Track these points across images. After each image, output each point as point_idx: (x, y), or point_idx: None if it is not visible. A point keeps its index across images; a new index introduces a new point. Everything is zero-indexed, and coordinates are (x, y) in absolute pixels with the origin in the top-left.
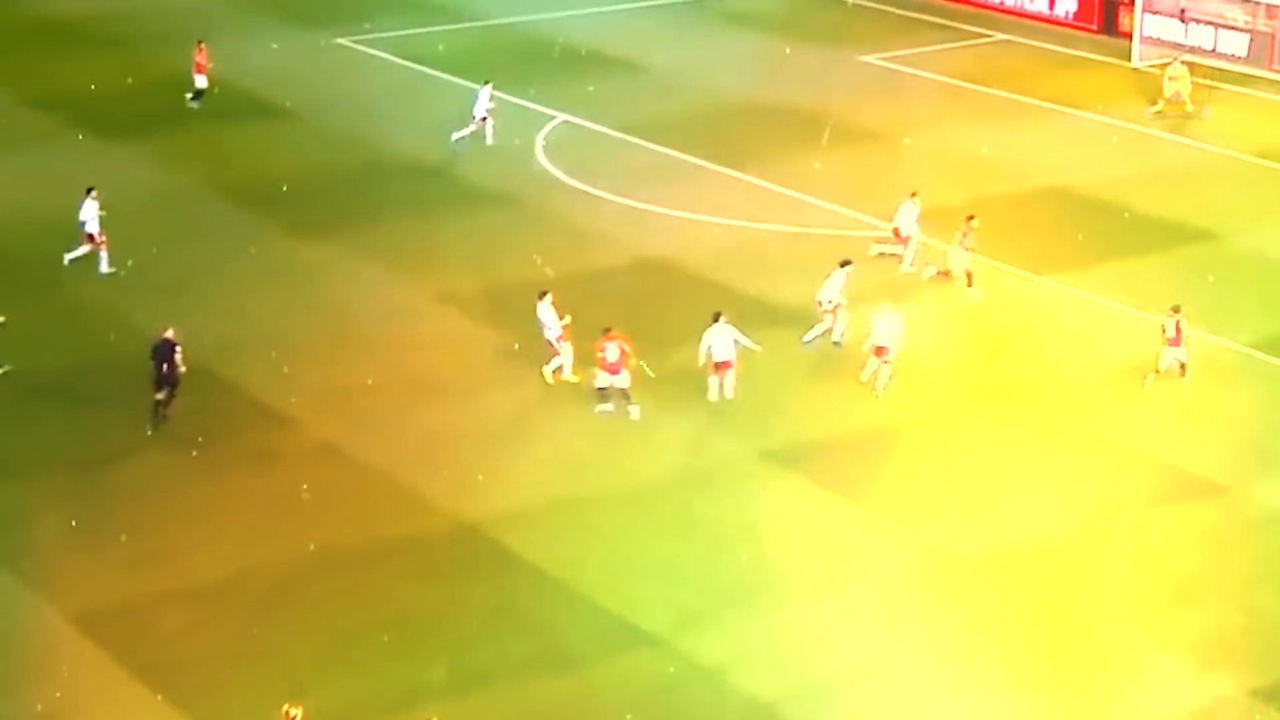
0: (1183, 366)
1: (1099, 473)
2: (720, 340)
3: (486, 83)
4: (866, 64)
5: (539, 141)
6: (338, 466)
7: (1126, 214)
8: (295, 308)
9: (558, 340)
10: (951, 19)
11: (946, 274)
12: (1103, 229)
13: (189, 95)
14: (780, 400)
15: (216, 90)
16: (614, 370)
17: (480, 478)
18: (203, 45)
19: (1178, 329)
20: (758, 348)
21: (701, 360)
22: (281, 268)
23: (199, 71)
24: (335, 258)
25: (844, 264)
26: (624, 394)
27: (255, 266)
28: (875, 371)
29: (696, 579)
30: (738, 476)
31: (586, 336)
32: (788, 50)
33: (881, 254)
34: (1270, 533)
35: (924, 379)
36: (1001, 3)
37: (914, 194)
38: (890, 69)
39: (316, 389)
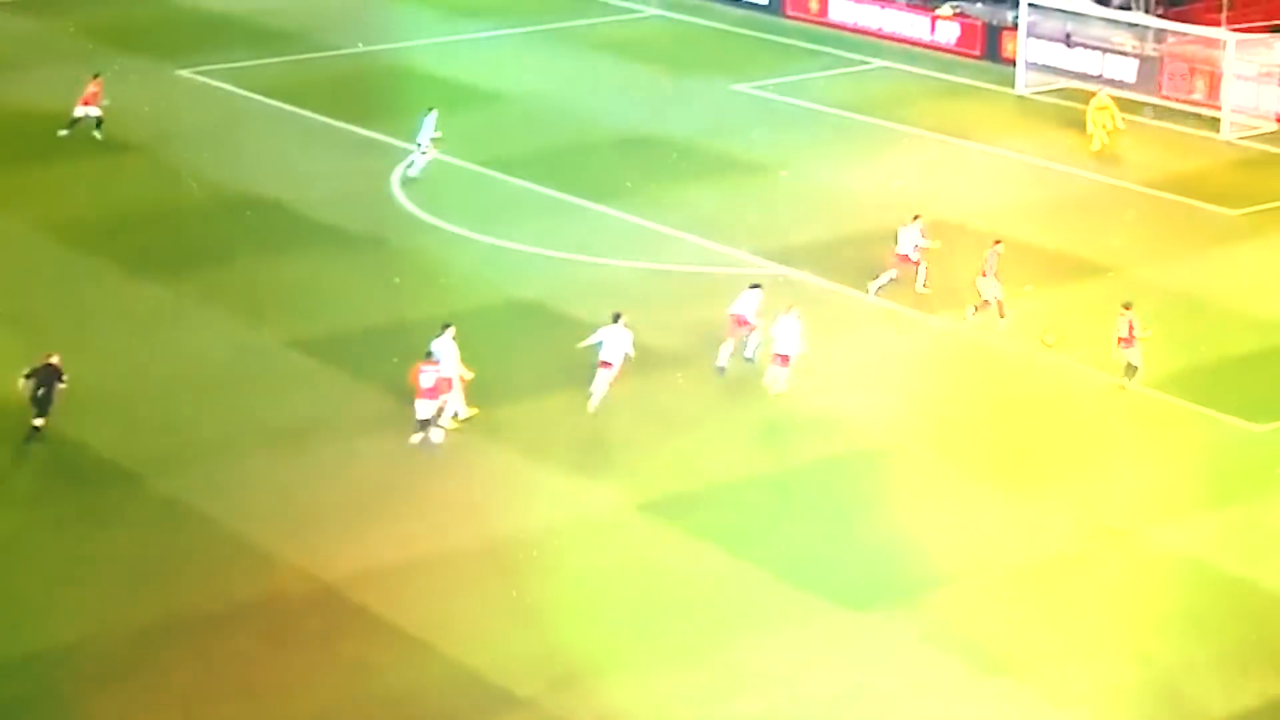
0: (1132, 369)
1: (996, 518)
2: (611, 340)
3: (430, 110)
4: (740, 93)
5: (395, 177)
6: (186, 524)
7: (1015, 247)
8: (139, 354)
9: (456, 379)
10: (829, 46)
11: (985, 305)
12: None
13: (65, 130)
14: (656, 446)
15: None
16: (431, 395)
17: (338, 534)
18: (99, 78)
19: (1130, 328)
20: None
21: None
22: (124, 311)
23: (88, 103)
24: (181, 300)
25: (753, 286)
26: (422, 424)
27: (95, 310)
28: (776, 374)
29: (569, 639)
30: (613, 529)
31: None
32: (665, 82)
33: (881, 288)
34: (1166, 579)
35: (815, 423)
36: (881, 28)
37: (916, 216)
38: (765, 98)
39: (162, 441)
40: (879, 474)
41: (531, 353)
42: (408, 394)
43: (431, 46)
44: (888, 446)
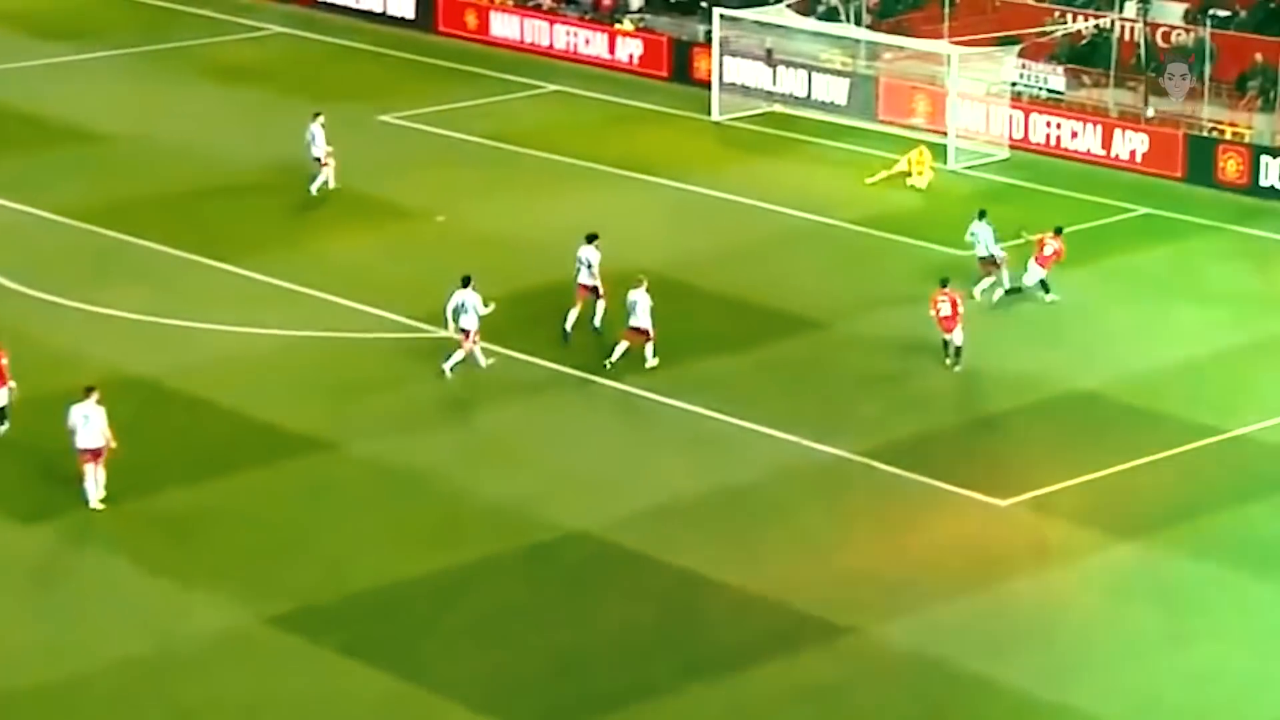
0: (957, 352)
1: (681, 618)
2: (464, 305)
3: (316, 115)
4: (388, 124)
5: None
6: None
7: (711, 300)
8: None
9: (105, 447)
10: (492, 68)
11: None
12: (681, 319)
13: None
14: (295, 547)
15: None
16: None
17: None
18: None
19: (953, 306)
20: (491, 307)
21: (448, 327)
22: None
23: None
24: None
25: (590, 238)
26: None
27: None
28: (624, 349)
29: None
30: (234, 649)
31: (56, 468)
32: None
33: (983, 290)
34: (898, 680)
35: (493, 513)
36: (551, 46)
37: (982, 213)
38: (417, 130)
39: None
40: (557, 569)
41: (142, 440)
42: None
43: (4, 74)
44: (569, 536)
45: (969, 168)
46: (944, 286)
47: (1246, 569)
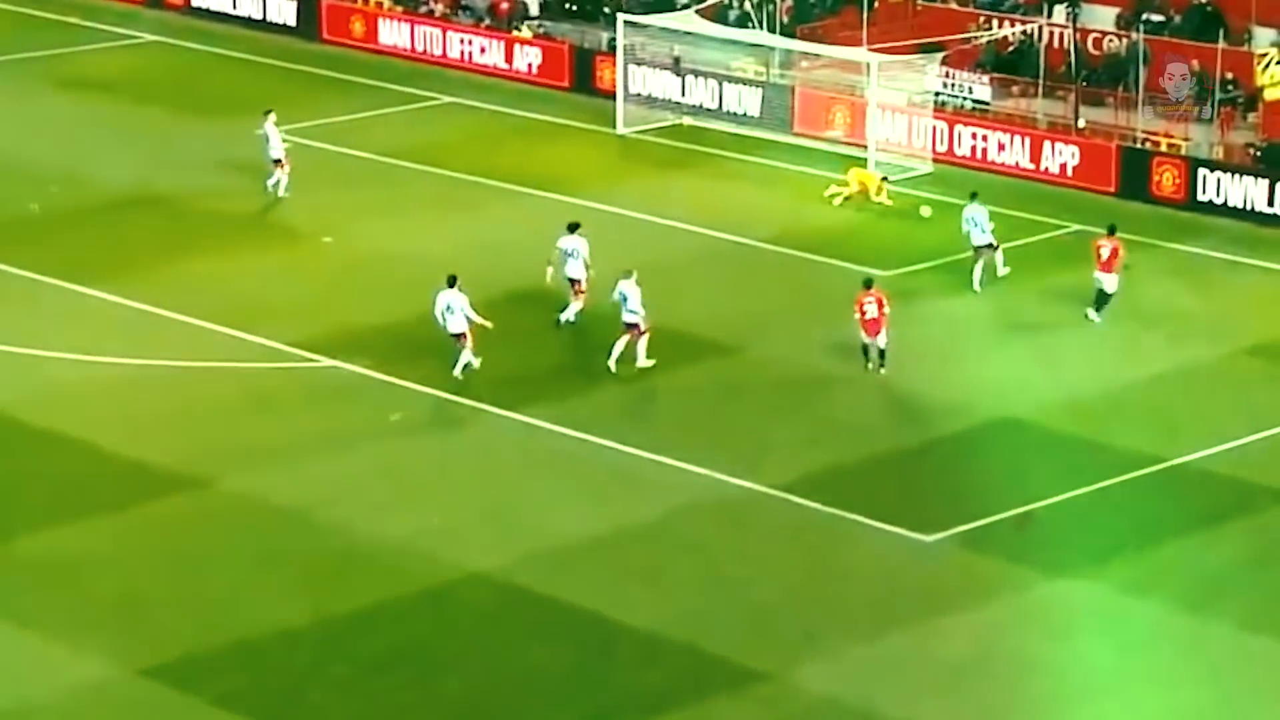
0: (881, 355)
1: (588, 663)
2: (450, 307)
3: (268, 113)
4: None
5: None
6: None
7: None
8: None
9: None
10: (381, 78)
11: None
12: (585, 345)
13: None
14: (166, 593)
15: None
16: None
17: None
18: None
19: (880, 307)
20: (488, 324)
21: (445, 330)
22: None
23: None
24: None
25: (572, 227)
26: None
27: None
28: (622, 346)
29: None
30: (103, 704)
31: None
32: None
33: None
34: None
35: (387, 557)
36: (445, 54)
37: (974, 194)
38: (301, 145)
39: None
40: (455, 612)
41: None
42: None
43: None
44: (468, 577)
45: (891, 182)
46: (869, 288)
47: (1188, 604)
